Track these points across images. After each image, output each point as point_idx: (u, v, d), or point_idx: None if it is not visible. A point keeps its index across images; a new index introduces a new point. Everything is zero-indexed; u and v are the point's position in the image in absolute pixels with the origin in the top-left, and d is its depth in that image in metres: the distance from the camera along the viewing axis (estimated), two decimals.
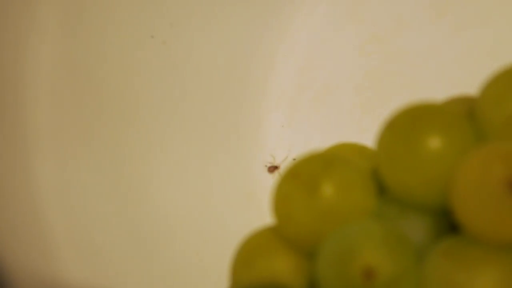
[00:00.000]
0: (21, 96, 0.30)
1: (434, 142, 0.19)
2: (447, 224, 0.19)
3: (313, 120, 0.33)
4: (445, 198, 0.18)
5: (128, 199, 0.31)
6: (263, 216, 0.26)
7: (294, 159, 0.24)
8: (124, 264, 0.30)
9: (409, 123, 0.20)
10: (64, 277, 0.27)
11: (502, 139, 0.19)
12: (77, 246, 0.29)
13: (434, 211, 0.19)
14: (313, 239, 0.20)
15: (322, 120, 0.34)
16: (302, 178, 0.20)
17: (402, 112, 0.20)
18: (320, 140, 0.31)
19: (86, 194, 0.30)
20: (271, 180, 0.32)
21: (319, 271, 0.19)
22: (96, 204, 0.30)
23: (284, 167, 0.33)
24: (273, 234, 0.21)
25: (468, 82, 0.21)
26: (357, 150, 0.24)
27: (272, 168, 0.34)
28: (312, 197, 0.20)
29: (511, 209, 0.17)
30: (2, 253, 0.25)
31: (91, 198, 0.30)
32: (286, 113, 0.34)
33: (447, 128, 0.19)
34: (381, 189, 0.20)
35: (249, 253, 0.21)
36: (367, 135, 0.23)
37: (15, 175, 0.28)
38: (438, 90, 0.31)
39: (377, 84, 0.33)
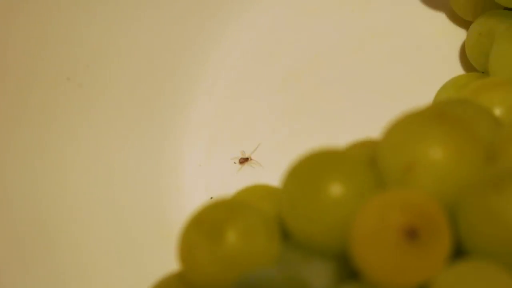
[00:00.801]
0: None
1: (334, 189, 0.19)
2: (350, 269, 0.19)
3: (229, 160, 0.33)
4: (345, 245, 0.18)
5: None
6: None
7: (211, 198, 0.24)
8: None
9: (309, 170, 0.20)
10: None
11: (400, 186, 0.19)
12: None
13: (337, 257, 0.19)
14: (218, 286, 0.20)
15: (237, 160, 0.34)
16: (206, 226, 0.20)
17: (304, 159, 0.20)
18: (237, 179, 0.31)
19: None
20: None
21: None
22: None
23: (254, 158, 0.35)
24: (179, 281, 0.21)
25: (383, 120, 0.21)
26: (267, 193, 0.23)
27: (243, 160, 0.35)
28: (216, 245, 0.20)
29: (408, 256, 0.17)
30: None
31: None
32: (203, 152, 0.33)
33: (347, 175, 0.19)
34: (285, 235, 0.20)
35: None
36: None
37: None
38: (352, 127, 0.31)
39: (294, 122, 0.34)
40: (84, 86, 0.33)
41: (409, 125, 0.20)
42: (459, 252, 0.18)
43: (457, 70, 0.33)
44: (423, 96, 0.30)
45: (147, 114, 0.34)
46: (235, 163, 0.34)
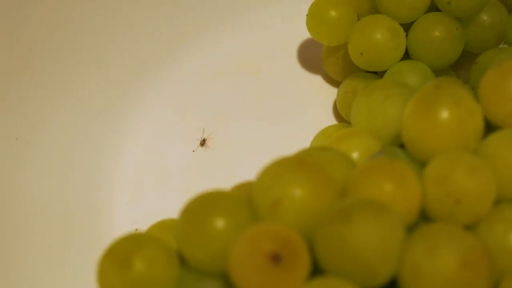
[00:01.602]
0: None
1: (217, 223, 0.20)
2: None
3: (153, 198, 0.34)
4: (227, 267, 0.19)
5: None
6: None
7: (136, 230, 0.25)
8: None
9: (198, 207, 0.20)
10: None
11: (268, 220, 0.19)
12: None
13: (223, 277, 0.19)
14: None
15: (159, 198, 0.34)
16: (116, 256, 0.20)
17: (195, 198, 0.21)
18: (159, 214, 0.32)
19: None
20: None
21: None
22: None
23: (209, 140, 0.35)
24: None
25: None
26: (172, 227, 0.23)
27: (203, 142, 0.35)
28: (125, 271, 0.20)
29: (272, 277, 0.18)
30: None
31: None
32: (130, 192, 0.34)
33: (228, 211, 0.20)
34: (183, 261, 0.21)
35: None
36: None
37: None
38: (249, 170, 0.32)
39: (203, 168, 0.34)
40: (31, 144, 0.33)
41: (275, 170, 0.20)
42: (318, 271, 0.19)
43: (332, 121, 0.34)
44: (303, 143, 0.31)
45: (79, 163, 0.34)
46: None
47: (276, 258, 0.18)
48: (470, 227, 0.21)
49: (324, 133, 0.29)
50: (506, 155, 0.21)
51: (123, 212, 0.33)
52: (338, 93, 0.32)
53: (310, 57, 0.36)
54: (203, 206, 0.20)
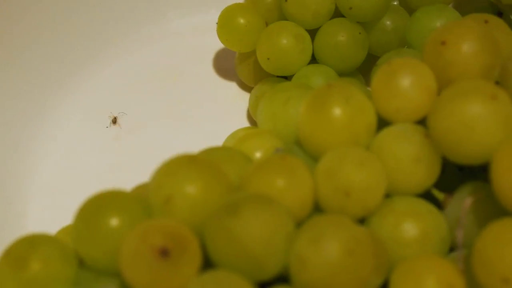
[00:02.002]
0: None
1: (110, 221, 0.19)
2: None
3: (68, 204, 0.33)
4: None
5: None
6: None
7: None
8: None
9: (92, 207, 0.20)
10: None
11: (161, 216, 0.19)
12: None
13: (119, 275, 0.19)
14: None
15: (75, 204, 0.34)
16: (11, 257, 0.20)
17: (89, 199, 0.21)
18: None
19: None
20: None
21: None
22: None
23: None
24: None
25: None
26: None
27: (114, 120, 0.35)
28: (20, 272, 0.20)
29: (161, 271, 0.18)
30: None
31: None
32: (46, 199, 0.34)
33: (121, 210, 0.20)
34: (81, 261, 0.20)
35: None
36: None
37: None
38: None
39: (119, 174, 0.34)
40: None
41: (167, 168, 0.20)
42: (211, 265, 0.19)
43: (245, 124, 0.34)
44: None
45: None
46: None
47: (164, 253, 0.18)
48: (362, 220, 0.21)
49: (234, 135, 0.29)
50: (394, 149, 0.21)
51: (39, 219, 0.33)
52: (249, 98, 0.33)
53: (226, 64, 0.36)
54: (96, 206, 0.20)
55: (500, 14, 0.27)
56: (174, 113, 0.35)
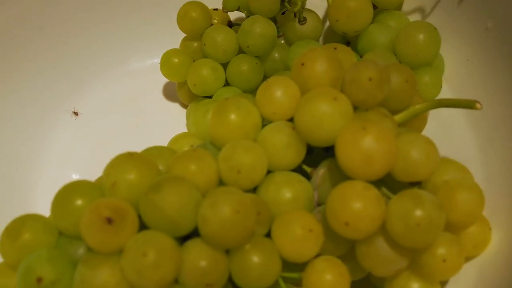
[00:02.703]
0: None
1: (76, 202, 0.21)
2: None
3: None
4: None
5: None
6: None
7: None
8: None
9: (64, 192, 0.21)
10: None
11: (108, 196, 0.21)
12: None
13: None
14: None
15: None
16: (9, 230, 0.21)
17: (63, 187, 0.21)
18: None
19: None
20: None
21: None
22: None
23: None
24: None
25: None
26: None
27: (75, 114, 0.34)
28: (15, 241, 0.21)
29: (108, 234, 0.19)
30: None
31: None
32: None
33: (83, 193, 0.21)
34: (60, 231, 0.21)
35: None
36: None
37: None
38: None
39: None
40: None
41: (114, 162, 0.21)
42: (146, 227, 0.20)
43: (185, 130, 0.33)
44: None
45: None
46: None
47: (109, 221, 0.19)
48: (254, 189, 0.22)
49: (173, 138, 0.30)
50: (272, 139, 0.22)
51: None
52: (186, 112, 0.33)
53: (170, 91, 0.36)
54: (66, 192, 0.21)
55: (348, 43, 0.28)
56: (136, 125, 0.34)
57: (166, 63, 0.31)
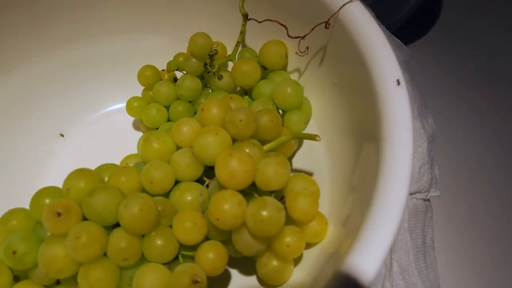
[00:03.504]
0: None
1: (44, 200, 0.23)
2: None
3: None
4: None
5: None
6: None
7: None
8: None
9: (38, 193, 0.23)
10: None
11: (64, 197, 0.22)
12: None
13: None
14: None
15: None
16: (2, 219, 0.23)
17: (38, 190, 0.23)
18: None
19: None
20: None
21: None
22: None
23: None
24: None
25: None
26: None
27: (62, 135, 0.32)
28: (4, 225, 0.23)
29: (59, 223, 0.20)
30: None
31: None
32: None
33: (50, 195, 0.23)
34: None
35: None
36: None
37: None
38: None
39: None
40: None
41: (70, 174, 0.23)
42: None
43: None
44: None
45: None
46: None
47: (59, 214, 0.21)
48: (167, 195, 0.24)
49: (124, 158, 0.29)
50: (177, 160, 0.23)
51: None
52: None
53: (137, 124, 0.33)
54: (40, 193, 0.23)
55: (245, 93, 0.28)
56: (113, 150, 0.29)
57: (129, 106, 0.30)
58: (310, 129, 0.28)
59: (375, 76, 0.21)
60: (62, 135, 0.32)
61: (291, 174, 0.24)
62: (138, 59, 0.31)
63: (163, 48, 0.32)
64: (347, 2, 0.23)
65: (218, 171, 0.22)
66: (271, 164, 0.22)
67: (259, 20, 0.27)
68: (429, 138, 0.26)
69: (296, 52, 0.27)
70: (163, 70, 0.31)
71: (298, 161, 0.29)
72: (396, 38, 0.29)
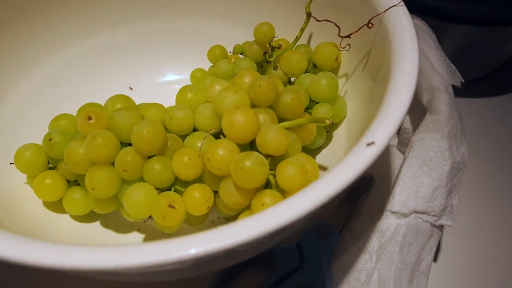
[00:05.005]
0: None
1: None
2: None
3: None
4: None
5: None
6: None
7: None
8: None
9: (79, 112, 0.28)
10: None
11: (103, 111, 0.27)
12: None
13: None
14: None
15: None
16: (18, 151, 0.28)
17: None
18: None
19: None
20: None
21: None
22: None
23: None
24: None
25: None
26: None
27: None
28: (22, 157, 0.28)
29: (89, 125, 0.25)
30: None
31: None
32: None
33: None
34: None
35: None
36: None
37: None
38: None
39: None
40: None
41: (113, 96, 0.28)
42: None
43: None
44: None
45: None
46: None
47: (89, 118, 0.25)
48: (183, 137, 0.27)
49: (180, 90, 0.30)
50: (198, 109, 0.27)
51: None
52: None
53: None
54: (85, 105, 0.29)
55: (289, 83, 0.31)
56: None
57: (193, 74, 0.34)
58: (339, 132, 0.30)
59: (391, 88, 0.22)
60: (131, 88, 0.37)
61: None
62: (212, 43, 0.35)
63: (237, 37, 0.36)
64: (392, 6, 0.26)
65: (222, 120, 0.24)
66: (273, 129, 0.24)
67: (319, 19, 0.30)
68: (454, 164, 0.26)
69: (335, 46, 0.29)
70: (230, 53, 0.36)
71: (322, 158, 0.30)
72: (451, 64, 0.29)
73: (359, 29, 0.27)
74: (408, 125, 0.30)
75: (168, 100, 0.31)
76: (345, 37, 0.28)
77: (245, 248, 0.20)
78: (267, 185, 0.24)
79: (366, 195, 0.31)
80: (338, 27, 0.29)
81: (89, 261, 0.16)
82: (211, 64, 0.35)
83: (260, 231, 0.16)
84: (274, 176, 0.24)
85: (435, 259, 0.28)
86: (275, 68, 0.32)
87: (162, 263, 0.15)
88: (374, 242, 0.25)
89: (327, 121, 0.25)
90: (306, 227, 0.28)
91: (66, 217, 0.28)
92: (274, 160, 0.25)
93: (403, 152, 0.31)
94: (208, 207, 0.25)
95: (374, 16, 0.26)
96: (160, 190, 0.26)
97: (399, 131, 0.31)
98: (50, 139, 0.27)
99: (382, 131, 0.19)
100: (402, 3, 0.25)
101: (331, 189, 0.18)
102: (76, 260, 0.16)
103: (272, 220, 0.17)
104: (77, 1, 0.34)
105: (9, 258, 0.16)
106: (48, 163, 0.28)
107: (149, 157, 0.25)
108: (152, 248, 0.16)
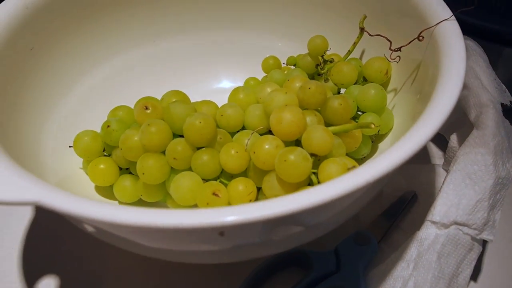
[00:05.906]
0: None
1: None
2: None
3: None
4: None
5: None
6: None
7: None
8: None
9: (137, 104, 0.31)
10: None
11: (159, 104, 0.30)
12: None
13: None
14: None
15: None
16: (76, 137, 0.31)
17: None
18: None
19: None
20: None
21: None
22: None
23: None
24: None
25: None
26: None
27: None
28: (80, 143, 0.31)
29: (145, 114, 0.28)
30: None
31: None
32: None
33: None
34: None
35: None
36: None
37: None
38: None
39: None
40: None
41: (169, 92, 0.31)
42: None
43: None
44: None
45: None
46: None
47: (146, 108, 0.27)
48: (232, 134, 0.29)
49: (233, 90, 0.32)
50: (249, 109, 0.30)
51: None
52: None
53: None
54: (143, 98, 0.31)
55: (339, 91, 0.34)
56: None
57: (246, 82, 0.36)
58: (384, 145, 0.31)
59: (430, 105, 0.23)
60: None
61: None
62: (266, 55, 0.37)
63: (290, 51, 0.38)
64: (443, 20, 0.27)
65: (271, 117, 0.26)
66: (320, 129, 0.25)
67: (371, 34, 0.32)
68: (498, 179, 0.26)
69: (385, 56, 0.30)
70: (283, 64, 0.38)
71: None
72: (501, 83, 0.30)
73: (410, 42, 0.29)
74: (455, 143, 0.31)
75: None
76: (395, 50, 0.30)
77: (310, 217, 0.21)
78: (309, 184, 0.25)
79: (407, 211, 0.31)
80: (390, 41, 0.31)
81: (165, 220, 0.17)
82: (265, 74, 0.37)
83: (332, 195, 0.18)
84: (317, 176, 0.25)
85: (475, 279, 0.28)
86: (326, 80, 0.34)
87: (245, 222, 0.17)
88: (412, 251, 0.25)
89: (372, 126, 0.26)
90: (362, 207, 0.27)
91: (114, 204, 0.30)
92: (318, 161, 0.26)
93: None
94: (251, 200, 0.26)
95: (426, 29, 0.27)
96: (207, 181, 0.27)
97: (445, 150, 0.32)
98: (108, 126, 0.29)
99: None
100: (454, 17, 0.27)
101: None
102: (150, 219, 0.17)
103: (344, 185, 0.18)
104: (144, 9, 0.37)
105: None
106: (103, 150, 0.31)
107: (198, 148, 0.27)
108: (229, 210, 0.18)
